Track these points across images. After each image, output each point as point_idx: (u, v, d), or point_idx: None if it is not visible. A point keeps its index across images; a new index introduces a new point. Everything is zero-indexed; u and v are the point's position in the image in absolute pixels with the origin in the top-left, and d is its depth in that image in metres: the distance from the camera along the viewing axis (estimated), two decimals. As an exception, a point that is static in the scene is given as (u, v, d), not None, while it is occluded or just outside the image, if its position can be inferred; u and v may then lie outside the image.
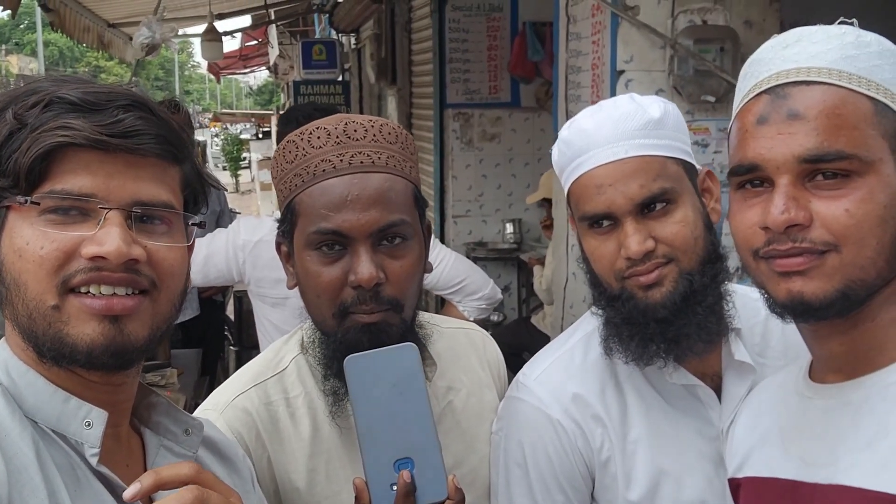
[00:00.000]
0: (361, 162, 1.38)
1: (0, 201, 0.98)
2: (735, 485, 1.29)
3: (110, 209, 0.98)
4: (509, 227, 7.04)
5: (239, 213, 6.33)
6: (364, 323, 1.35)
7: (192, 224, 1.09)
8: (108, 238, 0.96)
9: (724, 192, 1.55)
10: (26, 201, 0.96)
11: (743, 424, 1.32)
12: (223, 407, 1.43)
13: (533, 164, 7.04)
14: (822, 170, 1.05)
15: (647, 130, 1.41)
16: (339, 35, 11.78)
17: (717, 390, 1.48)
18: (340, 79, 11.26)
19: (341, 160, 1.37)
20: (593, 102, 3.82)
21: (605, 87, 3.64)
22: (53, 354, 0.97)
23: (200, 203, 1.13)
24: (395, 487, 1.07)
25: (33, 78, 1.04)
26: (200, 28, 8.07)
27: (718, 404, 1.47)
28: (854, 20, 1.13)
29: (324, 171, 1.37)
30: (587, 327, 1.58)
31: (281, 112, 19.57)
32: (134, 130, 0.99)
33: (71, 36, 6.49)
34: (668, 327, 1.39)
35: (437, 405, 1.52)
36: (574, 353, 1.56)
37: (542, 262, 5.54)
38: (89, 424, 0.98)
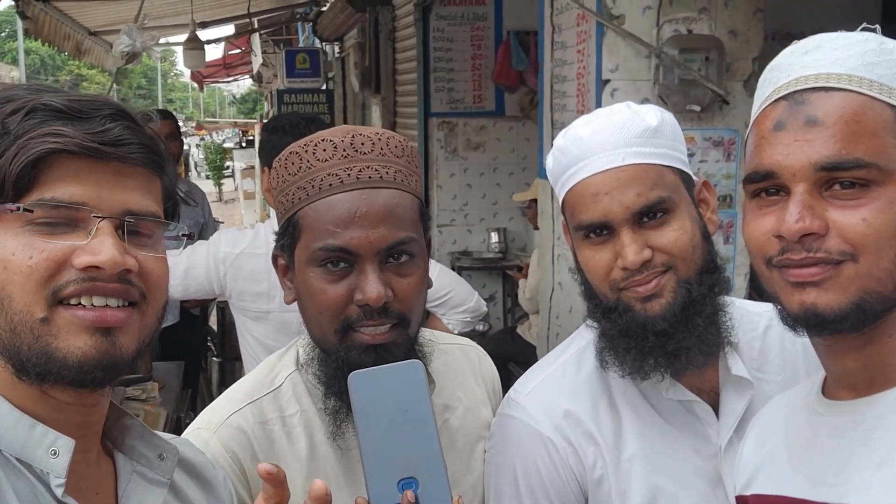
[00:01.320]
0: (370, 177, 1.33)
1: None
2: (742, 502, 1.26)
3: (103, 218, 0.94)
4: (494, 237, 7.02)
5: (222, 223, 6.28)
6: (368, 344, 1.31)
7: (183, 235, 1.07)
8: (102, 248, 0.93)
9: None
10: (19, 208, 0.92)
11: (752, 441, 1.29)
12: (217, 426, 1.37)
13: (518, 174, 7.03)
14: (839, 178, 1.01)
15: (644, 138, 1.39)
16: (323, 44, 11.77)
17: (715, 406, 1.45)
18: (324, 87, 11.24)
19: (349, 174, 1.33)
20: (579, 112, 3.81)
21: (590, 96, 3.62)
22: (38, 370, 0.93)
23: (177, 215, 1.11)
24: None
25: (5, 85, 1.01)
26: (183, 37, 8.01)
27: (716, 420, 1.44)
28: (877, 26, 1.09)
29: (330, 185, 1.33)
30: (580, 342, 1.55)
31: (265, 121, 19.52)
32: (122, 139, 0.96)
33: (50, 44, 6.43)
34: (667, 340, 1.36)
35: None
36: (566, 369, 1.53)
37: (526, 275, 5.53)
38: (55, 453, 0.94)
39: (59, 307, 0.93)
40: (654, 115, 1.42)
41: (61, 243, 0.93)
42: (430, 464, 1.06)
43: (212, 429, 1.36)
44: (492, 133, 7.07)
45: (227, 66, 19.77)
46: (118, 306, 0.95)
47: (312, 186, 1.34)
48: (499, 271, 6.97)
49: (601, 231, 1.38)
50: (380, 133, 1.39)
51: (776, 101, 1.07)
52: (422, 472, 1.06)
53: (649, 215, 1.36)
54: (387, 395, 1.07)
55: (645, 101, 3.51)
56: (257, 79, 17.44)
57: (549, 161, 1.49)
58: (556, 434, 1.46)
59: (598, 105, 3.55)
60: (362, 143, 1.35)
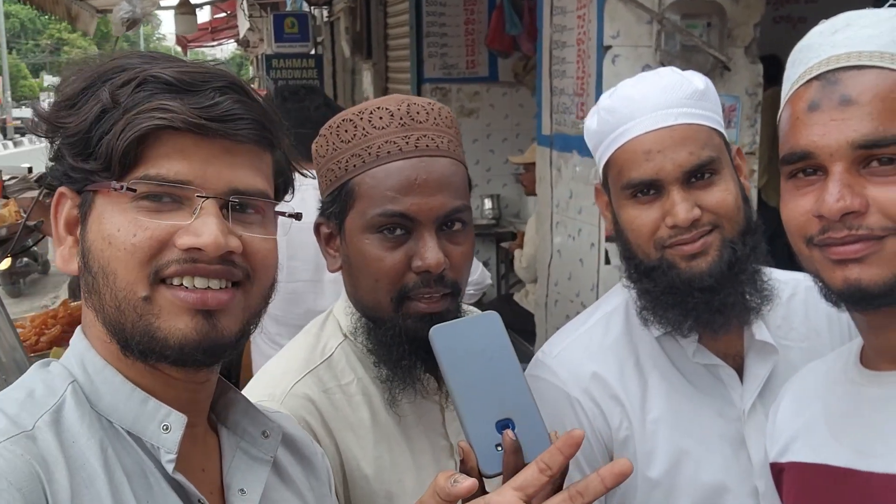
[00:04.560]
0: (427, 146, 1.35)
1: (87, 184, 0.93)
2: (778, 469, 1.28)
3: (207, 198, 0.92)
4: (488, 203, 7.01)
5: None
6: (424, 312, 1.32)
7: (290, 215, 1.04)
8: (205, 229, 0.91)
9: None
10: (122, 187, 0.91)
11: (786, 409, 1.30)
12: (282, 396, 1.36)
13: (511, 140, 7.01)
14: (877, 155, 1.02)
15: (693, 100, 1.41)
16: (312, 8, 11.61)
17: (739, 370, 1.47)
18: (313, 52, 11.12)
19: (406, 142, 1.34)
20: (579, 78, 3.79)
21: (591, 62, 3.60)
22: (142, 349, 0.92)
23: (290, 191, 1.08)
24: (499, 447, 1.07)
25: (122, 52, 0.99)
26: (173, 1, 7.91)
27: (740, 385, 1.47)
28: None
29: (388, 152, 1.34)
30: (607, 306, 1.57)
31: (259, 88, 19.31)
32: (231, 114, 0.93)
33: (41, 9, 6.33)
34: (713, 297, 1.38)
35: None
36: (594, 332, 1.55)
37: (521, 244, 5.53)
38: (167, 428, 0.93)
39: (161, 286, 0.92)
40: (700, 79, 1.45)
41: (165, 222, 0.91)
42: (523, 404, 1.09)
43: (277, 399, 1.35)
44: (485, 99, 7.04)
45: (213, 31, 19.54)
46: (220, 287, 0.93)
47: (369, 154, 1.34)
48: (492, 238, 6.97)
49: (649, 190, 1.40)
50: (432, 103, 1.40)
51: (809, 81, 1.08)
52: (516, 412, 1.08)
53: (698, 175, 1.38)
54: (470, 346, 1.10)
55: (646, 67, 3.50)
56: (243, 43, 17.24)
57: (593, 121, 1.50)
58: (583, 395, 1.48)
59: (600, 72, 3.53)
60: (417, 112, 1.36)
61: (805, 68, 1.09)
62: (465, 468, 1.05)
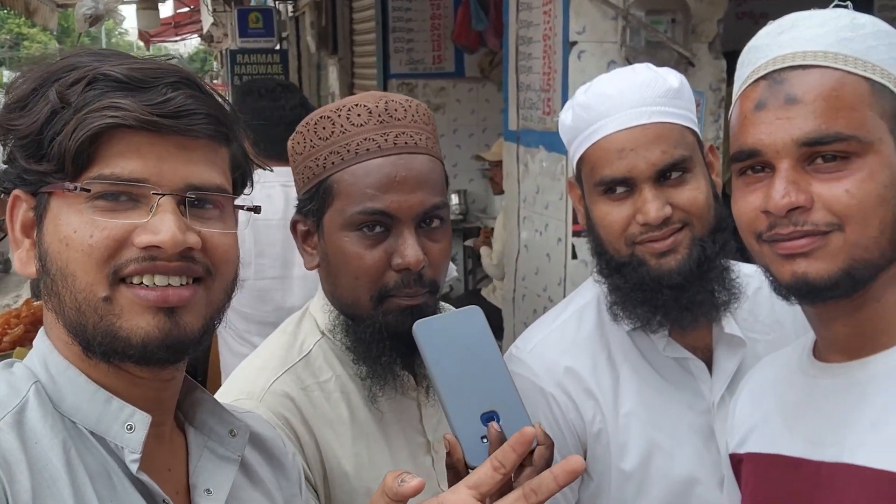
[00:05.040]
0: (405, 143, 1.35)
1: (41, 186, 0.92)
2: (737, 460, 1.31)
3: (163, 195, 0.91)
4: (455, 199, 7.00)
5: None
6: (406, 305, 1.33)
7: (248, 209, 1.03)
8: (162, 226, 0.90)
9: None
10: (76, 188, 0.89)
11: (745, 401, 1.33)
12: (261, 394, 1.35)
13: (478, 135, 7.02)
14: (821, 153, 1.05)
15: (667, 98, 1.42)
16: (276, 2, 11.53)
17: (708, 364, 1.50)
18: (278, 48, 11.05)
19: (385, 139, 1.34)
20: (545, 74, 3.80)
21: (557, 58, 3.62)
22: (104, 349, 0.91)
23: (249, 185, 1.07)
24: (485, 440, 1.08)
25: (73, 51, 0.97)
26: (135, -5, 7.82)
27: (709, 377, 1.49)
28: (848, 3, 1.13)
29: (367, 149, 1.34)
30: (580, 301, 1.59)
31: (214, 80, 19.17)
32: (185, 110, 0.92)
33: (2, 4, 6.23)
34: (681, 294, 1.41)
35: None
36: (567, 327, 1.57)
37: (487, 242, 5.53)
38: (131, 428, 0.92)
39: (121, 286, 0.91)
40: (674, 77, 1.46)
41: (122, 221, 0.90)
42: (507, 396, 1.10)
43: (256, 397, 1.34)
44: (451, 94, 7.03)
45: (176, 26, 19.32)
46: (181, 284, 0.93)
47: (348, 151, 1.34)
48: (460, 233, 6.97)
49: (622, 187, 1.41)
50: (409, 100, 1.40)
51: (756, 81, 1.11)
52: (500, 404, 1.10)
53: (670, 174, 1.40)
54: (453, 340, 1.11)
55: (612, 63, 3.52)
56: (207, 39, 17.08)
57: (567, 117, 1.51)
58: (557, 389, 1.50)
59: (566, 67, 3.55)
60: (395, 110, 1.36)
61: (753, 68, 1.12)
62: (451, 460, 1.06)
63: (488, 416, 1.09)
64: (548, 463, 1.13)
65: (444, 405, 1.10)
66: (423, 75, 7.00)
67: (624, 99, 1.42)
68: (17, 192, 0.95)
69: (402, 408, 1.44)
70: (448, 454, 1.08)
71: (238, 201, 1.03)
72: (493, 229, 5.59)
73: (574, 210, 3.75)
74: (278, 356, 1.42)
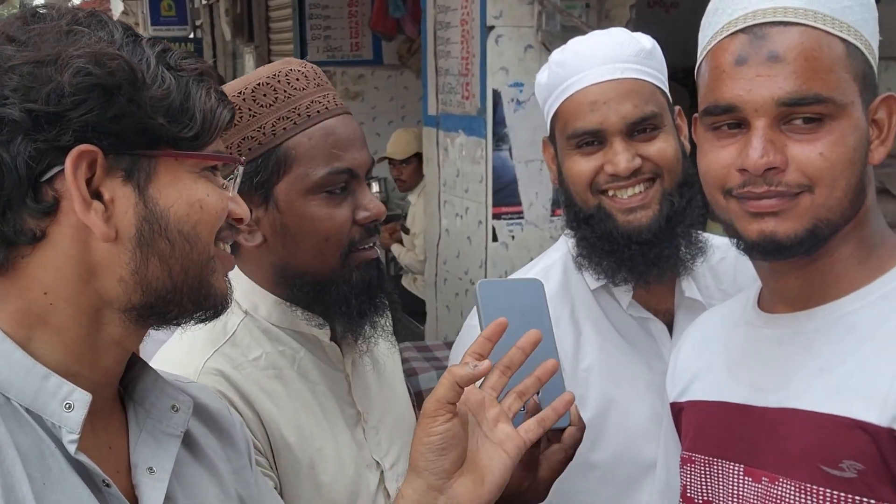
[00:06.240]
0: (338, 104, 1.39)
1: (148, 148, 0.91)
2: (678, 409, 1.33)
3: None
4: (375, 186, 6.96)
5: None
6: (371, 258, 1.38)
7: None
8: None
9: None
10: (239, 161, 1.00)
11: (687, 351, 1.35)
12: (195, 374, 1.31)
13: (397, 122, 7.00)
14: (798, 113, 1.06)
15: (640, 58, 1.47)
16: (189, -11, 11.29)
17: (670, 326, 1.54)
18: (192, 36, 10.82)
19: (328, 101, 1.37)
20: (463, 59, 3.83)
21: (474, 42, 3.65)
22: (189, 308, 0.96)
23: None
24: (523, 410, 1.11)
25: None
26: (40, -20, 7.54)
27: (669, 339, 1.54)
28: None
29: (318, 112, 1.35)
30: (547, 260, 1.62)
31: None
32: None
33: None
34: (649, 249, 1.44)
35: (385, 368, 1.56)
36: None
37: (397, 239, 5.48)
38: (70, 406, 0.87)
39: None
40: (647, 40, 1.51)
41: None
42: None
43: (190, 379, 1.27)
44: (370, 82, 7.02)
45: (84, 14, 18.74)
46: None
47: (298, 115, 1.33)
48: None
49: (593, 140, 1.45)
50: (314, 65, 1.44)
51: (734, 33, 1.09)
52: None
53: (641, 128, 1.44)
54: (511, 305, 1.14)
55: (528, 48, 3.58)
56: (117, 27, 16.58)
57: (543, 76, 1.54)
58: None
59: (484, 52, 3.59)
60: (318, 73, 1.40)
61: (729, 19, 1.10)
62: None
63: None
64: (576, 443, 1.20)
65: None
66: (342, 63, 6.96)
67: (598, 56, 1.46)
68: (90, 147, 0.86)
69: (332, 380, 1.44)
70: None
71: None
72: (401, 225, 5.56)
73: (490, 191, 3.81)
74: (202, 338, 1.38)
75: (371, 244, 1.38)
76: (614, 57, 1.45)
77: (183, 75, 0.93)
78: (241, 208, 0.98)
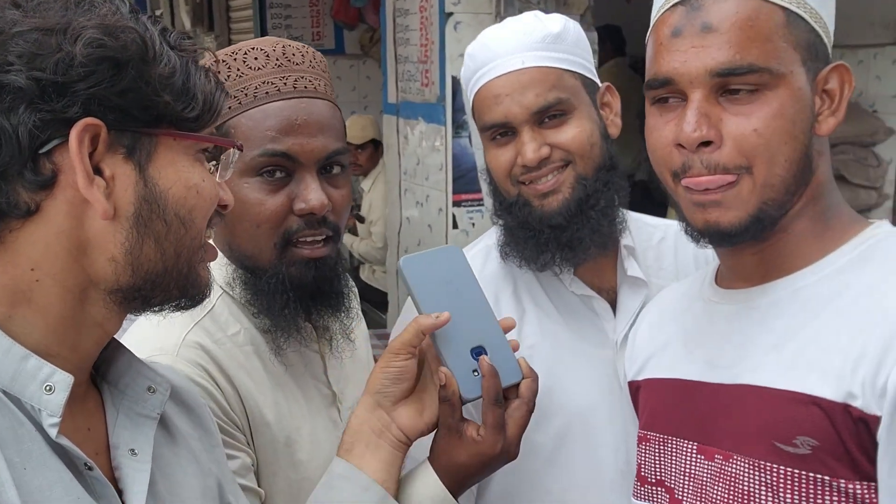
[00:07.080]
0: (304, 87, 1.32)
1: (151, 126, 0.88)
2: (635, 387, 1.33)
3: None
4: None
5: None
6: (309, 257, 1.31)
7: None
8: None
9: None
10: (239, 146, 0.99)
11: (644, 330, 1.36)
12: (175, 348, 1.28)
13: (360, 112, 6.96)
14: (733, 84, 1.05)
15: (545, 44, 1.47)
16: (148, -21, 11.13)
17: (613, 305, 1.55)
18: (152, 25, 10.67)
19: (285, 83, 1.31)
20: (423, 46, 3.82)
21: (433, 29, 3.64)
22: (175, 293, 0.96)
23: None
24: (476, 373, 1.14)
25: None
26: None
27: (613, 317, 1.54)
28: None
29: (266, 93, 1.30)
30: (489, 240, 1.63)
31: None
32: None
33: None
34: (561, 233, 1.46)
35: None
36: (474, 263, 1.58)
37: (351, 230, 5.46)
38: (50, 389, 0.84)
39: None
40: (557, 23, 1.51)
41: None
42: (492, 332, 1.17)
43: (170, 352, 1.27)
44: (332, 71, 6.75)
45: (42, 3, 18.43)
46: None
47: (245, 95, 1.31)
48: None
49: (504, 132, 1.47)
50: (306, 46, 1.38)
51: (674, 5, 1.10)
52: (486, 340, 1.16)
53: (549, 116, 1.45)
54: (438, 277, 1.16)
55: (487, 34, 3.58)
56: (76, 17, 16.34)
57: (462, 68, 1.57)
58: None
59: (443, 39, 3.58)
60: (293, 54, 1.34)
61: None
62: (445, 393, 1.15)
63: (477, 351, 1.15)
64: (534, 395, 1.22)
65: (436, 341, 1.14)
66: (303, 52, 6.90)
67: (502, 47, 1.46)
68: (95, 121, 0.84)
69: (307, 360, 1.43)
70: (442, 387, 1.15)
71: None
72: (354, 214, 5.52)
73: (450, 179, 3.80)
74: (181, 314, 1.39)
75: (315, 239, 1.32)
76: (518, 47, 1.46)
77: (183, 55, 0.91)
78: (228, 195, 0.98)
